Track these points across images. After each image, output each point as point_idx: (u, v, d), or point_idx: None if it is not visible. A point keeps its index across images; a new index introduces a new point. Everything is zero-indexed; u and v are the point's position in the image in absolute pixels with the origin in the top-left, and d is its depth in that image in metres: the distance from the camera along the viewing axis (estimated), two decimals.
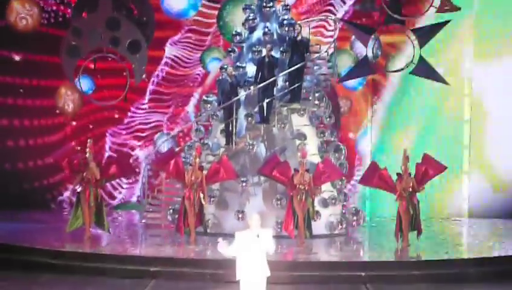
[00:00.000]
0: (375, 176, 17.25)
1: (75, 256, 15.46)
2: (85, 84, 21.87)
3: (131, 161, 20.95)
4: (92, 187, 16.89)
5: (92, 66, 21.13)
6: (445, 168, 17.47)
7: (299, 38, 19.06)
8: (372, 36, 19.46)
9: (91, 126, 24.82)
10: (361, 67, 20.15)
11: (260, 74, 18.51)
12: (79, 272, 14.65)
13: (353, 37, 22.98)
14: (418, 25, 21.11)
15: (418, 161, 17.07)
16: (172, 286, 13.92)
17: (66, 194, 24.22)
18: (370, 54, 19.59)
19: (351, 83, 23.64)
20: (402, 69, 21.35)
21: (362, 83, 24.11)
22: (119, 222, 21.63)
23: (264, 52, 18.59)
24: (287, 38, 19.20)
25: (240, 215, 17.93)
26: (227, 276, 12.70)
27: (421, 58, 19.64)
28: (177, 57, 24.89)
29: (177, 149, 20.17)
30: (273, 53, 18.73)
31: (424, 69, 19.65)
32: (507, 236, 19.81)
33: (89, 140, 17.75)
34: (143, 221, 19.50)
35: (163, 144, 22.49)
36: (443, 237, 19.91)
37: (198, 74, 24.94)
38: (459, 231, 21.73)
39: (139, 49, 19.81)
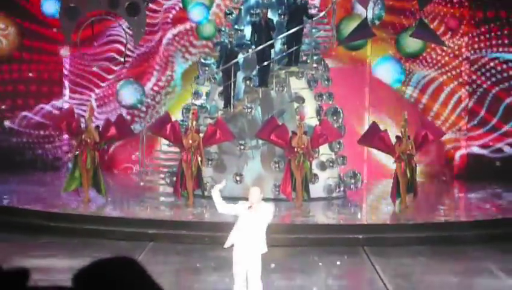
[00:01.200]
0: (375, 137, 17.32)
1: (74, 218, 15.53)
2: (50, 7, 20.82)
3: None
4: (90, 150, 16.89)
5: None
6: (444, 133, 17.50)
7: (298, 1, 18.95)
8: None
9: (30, 74, 24.46)
10: (363, 29, 20.06)
11: (256, 37, 18.46)
12: (77, 234, 14.71)
13: None
14: None
15: None
16: (170, 248, 13.99)
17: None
18: (370, 16, 19.49)
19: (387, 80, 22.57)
20: (402, 31, 21.29)
21: (400, 80, 22.78)
22: (117, 184, 21.67)
23: (261, 15, 18.52)
24: (286, 1, 19.11)
25: (238, 178, 17.97)
26: (225, 239, 12.74)
27: (420, 20, 19.58)
28: None
29: None
30: (270, 16, 18.66)
31: (423, 32, 19.59)
32: (504, 198, 19.87)
33: (89, 102, 17.77)
34: (141, 184, 19.55)
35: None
36: (440, 200, 19.98)
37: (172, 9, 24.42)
38: (456, 193, 21.80)
39: (138, 12, 19.72)
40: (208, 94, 19.53)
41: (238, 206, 9.51)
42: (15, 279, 1.60)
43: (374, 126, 18.12)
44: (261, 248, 9.40)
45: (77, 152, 17.01)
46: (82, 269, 1.62)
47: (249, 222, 9.32)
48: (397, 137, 16.93)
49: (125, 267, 1.62)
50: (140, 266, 1.65)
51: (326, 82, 19.43)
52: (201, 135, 17.29)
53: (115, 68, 23.87)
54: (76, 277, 1.62)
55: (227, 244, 9.49)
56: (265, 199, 16.42)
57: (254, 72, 18.64)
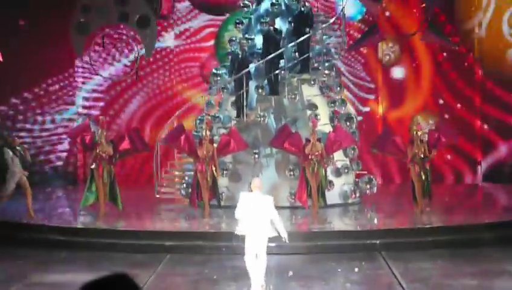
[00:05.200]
0: (388, 143, 17.29)
1: (91, 232, 15.58)
2: None
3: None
4: (105, 164, 16.96)
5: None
6: (459, 136, 17.44)
7: (303, 8, 18.97)
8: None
9: None
10: (371, 34, 20.09)
11: (266, 46, 18.49)
12: (95, 248, 14.75)
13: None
14: None
15: None
16: (187, 259, 13.99)
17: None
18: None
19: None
20: (413, 34, 21.28)
21: (361, 12, 22.94)
22: (133, 197, 21.70)
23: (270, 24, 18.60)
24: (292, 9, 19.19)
25: None
26: (242, 248, 12.76)
27: (430, 23, 19.57)
28: None
29: None
30: (280, 24, 18.70)
31: (433, 34, 19.58)
32: None
33: (101, 117, 17.81)
34: (157, 196, 19.58)
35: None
36: (456, 202, 19.91)
37: None
38: (472, 195, 21.72)
39: (148, 24, 19.80)
40: (220, 104, 19.56)
41: (244, 201, 10.78)
42: None
43: (386, 132, 18.10)
44: (269, 232, 10.80)
45: (93, 166, 17.08)
46: None
47: (256, 209, 10.65)
48: (409, 140, 16.88)
49: (117, 283, 1.66)
50: (132, 280, 1.69)
51: (338, 88, 19.44)
52: (215, 145, 17.32)
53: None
54: None
55: (239, 232, 10.91)
56: (281, 207, 16.66)
57: (266, 81, 18.66)
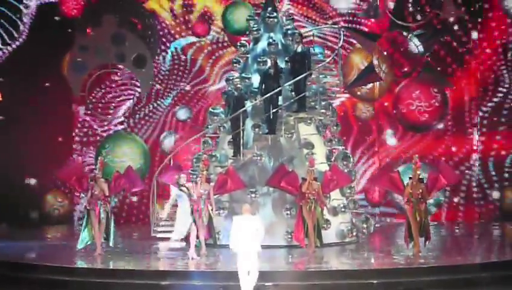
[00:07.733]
0: (385, 178, 17.27)
1: (87, 272, 15.51)
2: None
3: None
4: (101, 203, 16.93)
5: None
6: (460, 178, 17.29)
7: (299, 48, 19.03)
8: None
9: None
10: (368, 74, 20.21)
11: (264, 84, 18.56)
12: (91, 288, 14.69)
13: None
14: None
15: None
16: None
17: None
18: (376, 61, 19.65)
19: None
20: (409, 74, 21.40)
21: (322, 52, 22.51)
22: (130, 236, 21.65)
23: (269, 63, 18.64)
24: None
25: None
26: (239, 288, 12.71)
27: (427, 63, 19.70)
28: None
29: None
30: (278, 63, 18.77)
31: (430, 74, 19.72)
32: None
33: (99, 157, 17.83)
34: (153, 235, 19.51)
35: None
36: (453, 242, 19.88)
37: None
38: (468, 235, 21.68)
39: (144, 64, 19.94)
40: (217, 143, 19.58)
41: (236, 223, 12.70)
42: None
43: (385, 167, 18.11)
44: (257, 247, 12.52)
45: (89, 207, 17.03)
46: None
47: (247, 229, 12.47)
48: (410, 179, 16.78)
49: None
50: None
51: (335, 127, 19.48)
52: (211, 184, 17.30)
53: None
54: None
55: (234, 249, 12.63)
56: (278, 246, 16.63)
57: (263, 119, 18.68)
